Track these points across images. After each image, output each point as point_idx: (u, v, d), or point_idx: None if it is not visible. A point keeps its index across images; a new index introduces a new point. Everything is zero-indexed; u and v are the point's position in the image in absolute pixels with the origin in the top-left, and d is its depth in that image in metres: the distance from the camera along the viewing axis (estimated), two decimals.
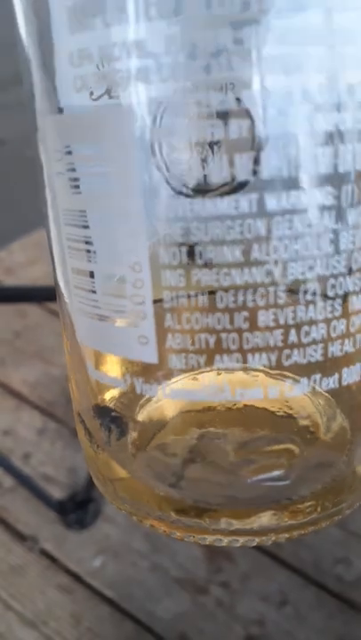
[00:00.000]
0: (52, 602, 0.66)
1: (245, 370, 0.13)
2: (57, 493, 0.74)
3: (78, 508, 0.71)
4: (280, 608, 0.64)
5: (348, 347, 0.13)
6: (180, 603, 0.65)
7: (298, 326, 0.12)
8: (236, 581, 0.66)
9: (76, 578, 0.67)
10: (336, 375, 0.13)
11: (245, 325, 0.12)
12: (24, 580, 0.68)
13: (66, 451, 0.80)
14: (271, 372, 0.13)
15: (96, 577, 0.67)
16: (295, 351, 0.13)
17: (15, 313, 1.02)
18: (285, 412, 0.15)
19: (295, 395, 0.13)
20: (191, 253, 0.12)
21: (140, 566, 0.68)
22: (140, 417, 0.16)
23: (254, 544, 0.15)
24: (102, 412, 0.15)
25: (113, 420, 0.15)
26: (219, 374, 0.13)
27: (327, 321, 0.12)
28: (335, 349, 0.13)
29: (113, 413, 0.15)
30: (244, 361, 0.13)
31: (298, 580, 0.66)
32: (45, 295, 0.71)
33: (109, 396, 0.15)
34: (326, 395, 0.14)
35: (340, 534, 0.70)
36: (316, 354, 0.13)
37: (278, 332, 0.12)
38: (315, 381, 0.13)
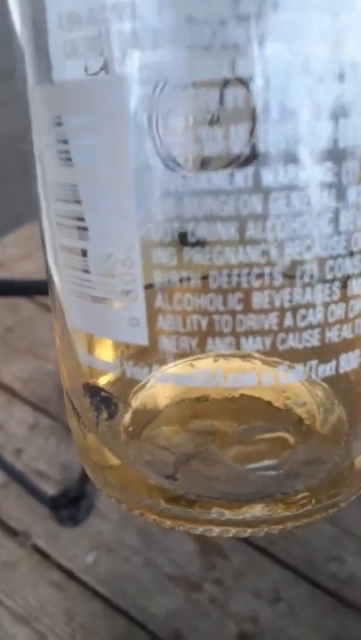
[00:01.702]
0: (45, 598, 0.65)
1: (240, 356, 0.12)
2: (49, 489, 0.73)
3: (71, 504, 0.70)
4: (273, 605, 0.64)
5: (347, 332, 0.12)
6: (173, 599, 0.65)
7: (294, 309, 0.12)
8: (229, 578, 0.66)
9: (69, 574, 0.67)
10: (333, 362, 0.12)
11: (239, 307, 0.12)
12: (16, 575, 0.67)
13: (59, 446, 0.80)
14: (266, 358, 0.12)
15: (89, 573, 0.67)
16: (291, 335, 0.12)
17: (7, 307, 1.02)
18: (282, 403, 0.15)
19: (290, 381, 0.13)
20: (183, 231, 0.11)
21: (133, 562, 0.68)
22: (134, 404, 0.15)
23: (246, 535, 0.15)
24: (92, 391, 0.15)
25: (102, 400, 0.15)
26: (212, 359, 0.13)
27: (325, 305, 0.12)
28: (333, 335, 0.12)
29: (103, 393, 0.15)
30: (238, 344, 0.12)
31: (291, 577, 0.66)
32: (38, 289, 0.71)
33: (101, 381, 0.15)
34: (324, 385, 0.14)
35: (334, 532, 0.70)
36: (312, 339, 0.12)
37: (273, 315, 0.12)
38: (310, 368, 0.12)
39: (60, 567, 0.68)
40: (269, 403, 0.14)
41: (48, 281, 0.15)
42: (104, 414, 0.15)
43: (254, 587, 0.65)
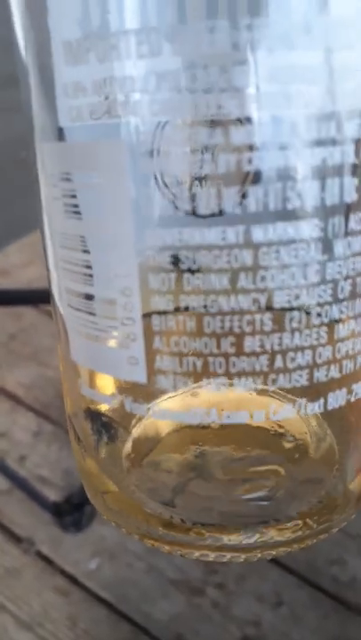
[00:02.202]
0: (48, 604, 0.66)
1: (233, 392, 0.13)
2: (53, 495, 0.74)
3: (74, 510, 0.71)
4: (275, 609, 0.64)
5: (334, 372, 0.13)
6: (176, 604, 0.65)
7: (283, 352, 0.13)
8: (231, 582, 0.66)
9: (72, 580, 0.67)
10: (322, 400, 0.13)
11: (232, 350, 0.12)
12: (20, 582, 0.68)
13: (61, 453, 0.80)
14: (258, 395, 0.13)
15: (92, 579, 0.67)
16: (281, 376, 0.13)
17: (10, 315, 1.02)
18: (277, 432, 0.15)
19: (280, 418, 0.13)
20: (179, 280, 0.12)
21: (135, 568, 0.68)
22: (135, 432, 0.16)
23: (241, 560, 0.15)
24: (93, 416, 0.15)
25: (103, 424, 0.15)
26: (201, 395, 0.13)
27: (313, 347, 0.13)
28: (321, 375, 0.13)
29: (103, 418, 0.15)
30: (231, 384, 0.13)
31: (293, 581, 0.66)
32: (41, 297, 0.71)
33: (102, 408, 0.15)
34: (318, 415, 0.15)
35: (336, 535, 0.70)
36: (301, 379, 0.13)
37: (264, 358, 0.13)
38: (300, 406, 0.13)
39: (63, 573, 0.68)
40: (267, 431, 0.15)
41: (53, 309, 0.15)
42: (104, 438, 0.15)
43: (256, 591, 0.66)
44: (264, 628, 0.63)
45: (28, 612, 0.65)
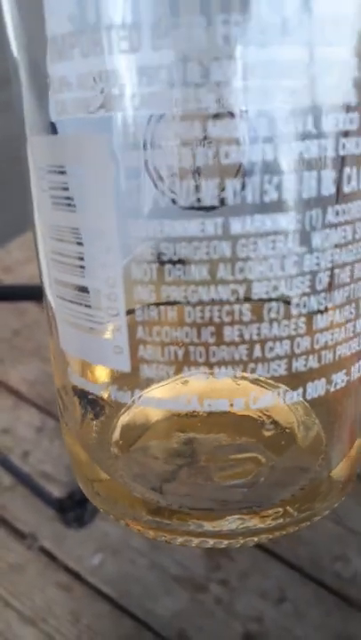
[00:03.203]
0: (52, 599, 0.66)
1: (219, 381, 0.13)
2: (56, 491, 0.74)
3: (77, 505, 0.71)
4: (278, 605, 0.64)
5: (313, 363, 0.13)
6: (178, 600, 0.65)
7: (262, 342, 0.13)
8: (234, 579, 0.66)
9: (76, 575, 0.68)
10: (300, 389, 0.14)
11: (212, 340, 0.13)
12: (23, 577, 0.68)
13: (64, 449, 0.80)
14: (241, 383, 0.13)
15: (95, 575, 0.67)
16: (259, 365, 0.13)
17: (14, 311, 1.02)
18: (264, 421, 0.16)
19: (260, 406, 0.13)
20: (161, 271, 0.13)
21: (138, 564, 0.68)
22: (124, 420, 0.16)
23: (223, 546, 0.15)
24: (81, 393, 0.15)
25: (90, 401, 0.16)
26: (187, 384, 0.14)
27: (291, 338, 0.13)
28: (299, 365, 0.13)
29: (90, 396, 0.15)
30: (211, 373, 0.13)
31: (296, 577, 0.66)
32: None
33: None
34: (305, 404, 0.15)
35: (339, 531, 0.70)
36: (280, 368, 0.13)
37: (243, 347, 0.13)
38: (278, 394, 0.13)
39: (66, 569, 0.68)
40: (254, 420, 0.15)
41: (44, 299, 0.16)
42: (90, 414, 0.16)
43: (259, 587, 0.66)
44: (267, 625, 0.63)
45: (31, 607, 0.65)
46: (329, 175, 0.12)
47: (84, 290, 0.14)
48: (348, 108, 0.12)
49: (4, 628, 0.64)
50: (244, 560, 0.68)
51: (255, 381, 0.14)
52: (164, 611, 0.64)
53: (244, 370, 0.13)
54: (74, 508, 0.71)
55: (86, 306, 0.14)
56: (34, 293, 0.79)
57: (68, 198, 0.13)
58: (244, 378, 0.13)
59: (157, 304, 0.13)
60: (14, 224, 1.13)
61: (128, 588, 0.66)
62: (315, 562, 0.68)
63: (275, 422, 0.16)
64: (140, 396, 0.14)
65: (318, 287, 0.13)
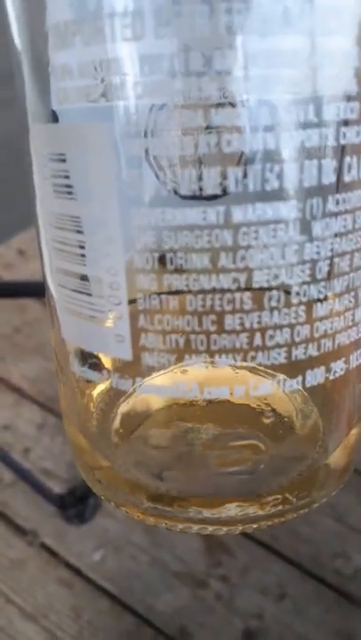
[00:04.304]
0: (53, 596, 0.66)
1: (219, 369, 0.13)
2: (57, 488, 0.74)
3: (78, 502, 0.71)
4: (279, 601, 0.64)
5: (312, 351, 0.14)
6: (179, 596, 0.65)
7: (262, 330, 0.13)
8: (235, 575, 0.67)
9: (77, 572, 0.68)
10: (300, 377, 0.14)
11: (213, 328, 0.13)
12: (24, 574, 0.68)
13: (66, 445, 0.80)
14: (240, 371, 0.14)
15: (96, 571, 0.68)
16: (260, 353, 0.13)
17: (15, 308, 1.03)
18: (263, 409, 0.16)
19: (259, 394, 0.14)
20: (163, 259, 0.13)
21: (139, 560, 0.68)
22: (124, 408, 0.16)
23: (223, 533, 0.16)
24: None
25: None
26: (187, 372, 0.14)
27: (291, 326, 0.13)
28: (299, 353, 0.13)
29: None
30: (212, 361, 0.13)
31: (297, 574, 0.67)
32: (45, 290, 0.71)
33: (94, 390, 0.16)
34: (304, 392, 0.15)
35: (339, 528, 0.70)
36: (279, 356, 0.13)
37: (244, 336, 0.13)
38: (278, 382, 0.14)
39: (67, 565, 0.68)
40: (253, 409, 0.15)
41: (45, 289, 0.16)
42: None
43: (260, 583, 0.66)
44: (267, 621, 0.63)
45: (32, 603, 0.65)
46: (330, 164, 0.12)
47: (85, 278, 0.14)
48: (348, 98, 0.12)
49: (5, 624, 0.64)
50: (245, 556, 0.68)
51: (254, 370, 0.14)
52: (165, 607, 0.64)
53: (245, 358, 0.13)
54: (75, 505, 0.71)
55: (88, 294, 0.14)
56: (35, 290, 0.79)
57: (68, 186, 0.13)
58: (242, 367, 0.14)
59: (159, 293, 0.13)
60: (15, 221, 1.13)
61: (129, 585, 0.66)
62: (315, 559, 0.68)
63: (273, 410, 0.16)
64: (140, 385, 0.14)
65: (318, 276, 0.13)
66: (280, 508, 0.15)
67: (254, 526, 0.15)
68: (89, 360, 0.15)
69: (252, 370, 0.14)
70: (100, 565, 0.68)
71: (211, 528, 0.15)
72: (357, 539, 0.69)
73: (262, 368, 0.13)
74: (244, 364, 0.13)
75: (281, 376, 0.14)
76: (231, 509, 0.15)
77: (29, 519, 0.73)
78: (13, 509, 0.74)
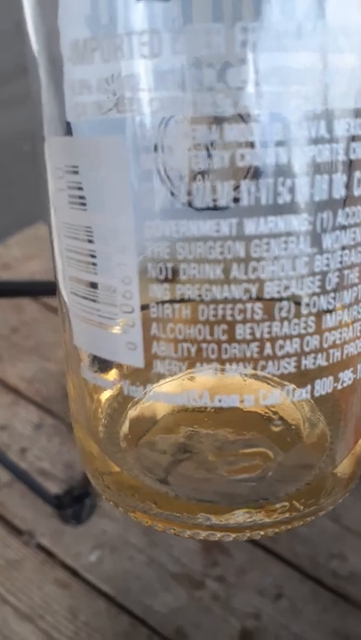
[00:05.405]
0: (49, 596, 0.66)
1: (228, 377, 0.14)
2: (54, 488, 0.74)
3: (75, 502, 0.71)
4: (276, 602, 0.65)
5: (321, 361, 0.14)
6: (176, 597, 0.65)
7: (273, 340, 0.13)
8: (231, 575, 0.67)
9: (73, 572, 0.68)
10: (309, 387, 0.14)
11: (224, 337, 0.13)
12: (21, 574, 0.68)
13: (62, 446, 0.80)
14: (249, 380, 0.14)
15: (93, 571, 0.68)
16: (270, 363, 0.13)
17: (12, 308, 1.03)
18: (270, 417, 0.16)
19: (269, 403, 0.14)
20: (176, 270, 0.13)
21: (136, 561, 0.68)
22: (132, 414, 0.16)
23: (230, 539, 0.16)
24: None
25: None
26: (196, 379, 0.14)
27: (301, 336, 0.13)
28: (308, 363, 0.14)
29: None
30: (223, 369, 0.14)
31: (293, 575, 0.67)
32: (42, 290, 0.71)
33: (104, 395, 0.16)
34: (311, 402, 0.15)
35: (336, 529, 0.70)
36: (289, 366, 0.13)
37: (254, 345, 0.13)
38: (288, 392, 0.14)
39: (64, 566, 0.68)
40: (260, 416, 0.16)
41: (58, 296, 0.16)
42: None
43: (256, 584, 0.66)
44: (264, 621, 0.63)
45: (28, 604, 0.65)
46: (340, 178, 0.13)
47: (99, 287, 0.14)
48: (358, 114, 0.12)
49: (1, 624, 0.64)
50: (242, 557, 0.68)
51: (263, 379, 0.14)
52: (162, 607, 0.64)
53: (255, 367, 0.13)
54: (71, 505, 0.71)
55: (101, 303, 0.14)
56: (32, 290, 0.79)
57: (81, 197, 0.13)
58: (251, 375, 0.14)
59: (172, 302, 0.13)
60: (14, 220, 1.13)
61: (126, 585, 0.66)
62: (312, 559, 0.68)
63: (281, 419, 0.16)
64: (150, 391, 0.14)
65: (328, 287, 0.13)
66: (287, 515, 0.16)
67: (261, 533, 0.16)
68: (100, 366, 0.15)
69: (261, 378, 0.14)
70: (97, 566, 0.68)
71: (219, 534, 0.16)
72: (354, 539, 0.69)
73: (271, 377, 0.14)
74: (254, 372, 0.13)
75: (290, 385, 0.14)
76: (239, 516, 0.15)
77: (26, 519, 0.73)
78: (10, 510, 0.74)
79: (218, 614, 0.64)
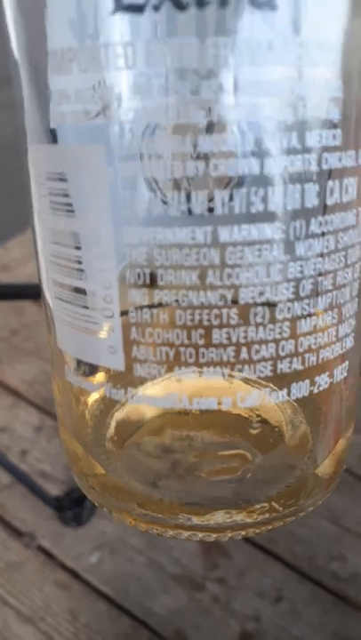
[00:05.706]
0: (49, 598, 0.66)
1: (210, 380, 0.14)
2: (54, 490, 0.74)
3: (75, 504, 0.71)
4: (276, 604, 0.65)
5: (297, 365, 0.14)
6: (176, 599, 0.65)
7: (248, 345, 0.14)
8: (231, 577, 0.67)
9: (73, 574, 0.68)
10: (285, 390, 0.14)
11: (201, 342, 0.13)
12: (21, 576, 0.68)
13: (62, 448, 0.80)
14: (232, 383, 0.14)
15: (93, 573, 0.68)
16: (246, 367, 0.14)
17: (12, 310, 1.03)
18: (253, 419, 0.16)
19: (247, 405, 0.14)
20: (154, 275, 0.13)
21: (136, 562, 0.68)
22: (118, 416, 0.17)
23: (212, 539, 0.16)
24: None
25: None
26: (179, 382, 0.14)
27: (276, 341, 0.14)
28: (284, 367, 0.14)
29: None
30: (200, 373, 0.14)
31: (293, 577, 0.67)
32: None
33: (89, 398, 0.16)
34: (293, 403, 0.15)
35: (336, 531, 0.70)
36: (265, 370, 0.14)
37: (230, 349, 0.14)
38: (266, 394, 0.14)
39: (64, 567, 0.69)
40: (243, 418, 0.16)
41: (42, 300, 0.16)
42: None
43: (257, 586, 0.66)
44: (264, 623, 0.63)
45: (29, 605, 0.66)
46: (312, 188, 0.13)
47: (80, 291, 0.14)
48: (330, 125, 0.13)
49: (1, 626, 0.64)
50: (242, 559, 0.68)
51: (245, 381, 0.14)
52: (162, 609, 0.64)
53: (232, 371, 0.14)
54: (72, 507, 0.71)
55: (83, 307, 0.14)
56: (32, 292, 0.79)
57: (68, 204, 0.14)
58: (233, 377, 0.14)
59: (150, 306, 0.13)
60: (13, 223, 1.13)
61: (126, 587, 0.66)
62: (312, 561, 0.68)
63: (264, 421, 0.16)
64: (133, 394, 0.15)
65: (302, 293, 0.14)
66: (267, 516, 0.16)
67: (243, 533, 0.16)
68: (84, 369, 0.15)
69: (243, 380, 0.14)
70: (97, 568, 0.68)
71: (200, 534, 0.16)
72: (354, 541, 0.69)
73: (255, 379, 0.14)
74: (236, 374, 0.14)
75: (269, 388, 0.14)
76: (219, 517, 0.16)
77: (26, 521, 0.73)
78: (10, 512, 0.74)
79: (218, 616, 0.64)
